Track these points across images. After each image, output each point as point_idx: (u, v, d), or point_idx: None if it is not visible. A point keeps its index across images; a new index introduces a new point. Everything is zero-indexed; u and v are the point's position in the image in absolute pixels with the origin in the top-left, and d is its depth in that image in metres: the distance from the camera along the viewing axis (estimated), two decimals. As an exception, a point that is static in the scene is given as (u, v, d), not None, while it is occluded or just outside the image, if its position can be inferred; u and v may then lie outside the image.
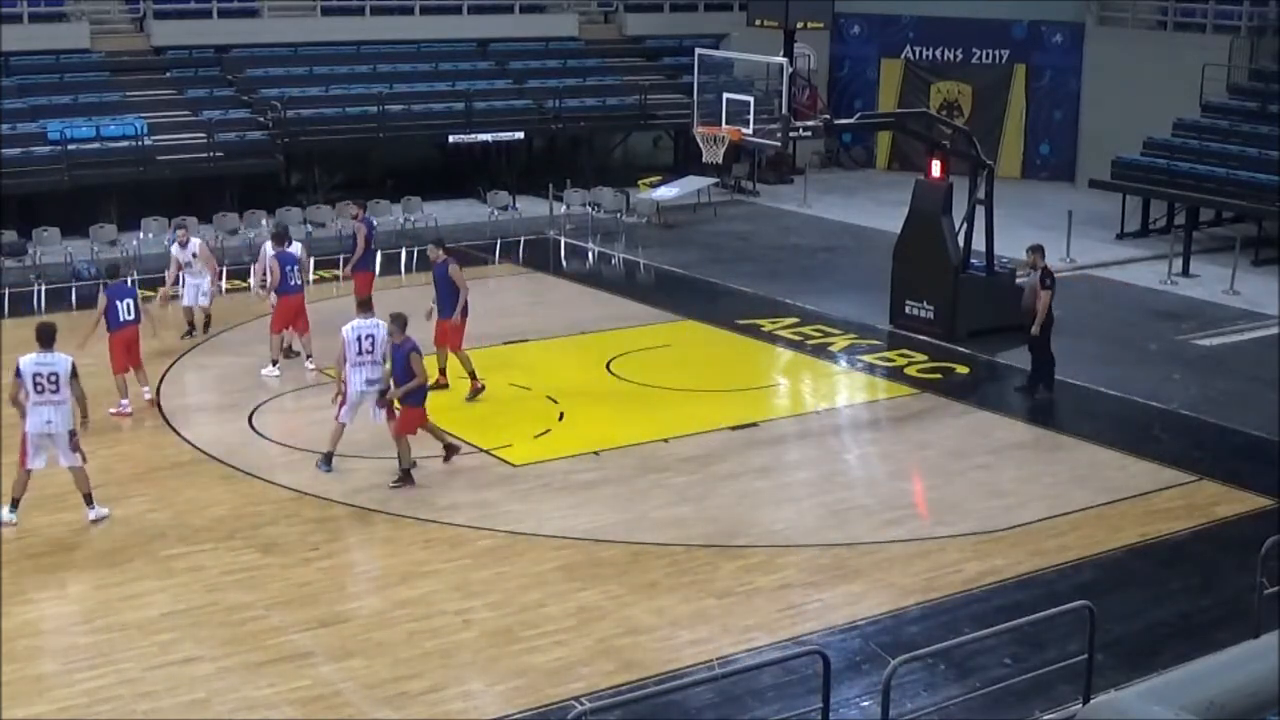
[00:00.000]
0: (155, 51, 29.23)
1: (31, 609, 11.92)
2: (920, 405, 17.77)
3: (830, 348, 20.02)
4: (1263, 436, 16.61)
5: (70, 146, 25.47)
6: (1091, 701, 9.28)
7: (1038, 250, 18.00)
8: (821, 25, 32.06)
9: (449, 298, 17.29)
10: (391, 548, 13.37)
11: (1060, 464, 15.81)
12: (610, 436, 16.28)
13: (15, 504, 13.44)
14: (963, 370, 19.17)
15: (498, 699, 10.66)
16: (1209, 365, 19.63)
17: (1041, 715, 10.41)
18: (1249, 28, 30.17)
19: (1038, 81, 33.04)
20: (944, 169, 20.57)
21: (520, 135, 30.00)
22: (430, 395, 16.55)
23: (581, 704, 9.30)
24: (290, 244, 18.96)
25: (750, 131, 22.65)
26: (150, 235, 24.17)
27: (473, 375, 17.34)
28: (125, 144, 26.17)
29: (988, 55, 33.34)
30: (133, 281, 18.66)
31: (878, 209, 27.71)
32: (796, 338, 20.48)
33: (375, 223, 21.60)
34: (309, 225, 25.33)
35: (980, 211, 20.45)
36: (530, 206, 28.25)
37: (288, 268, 18.27)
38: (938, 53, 33.73)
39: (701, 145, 23.51)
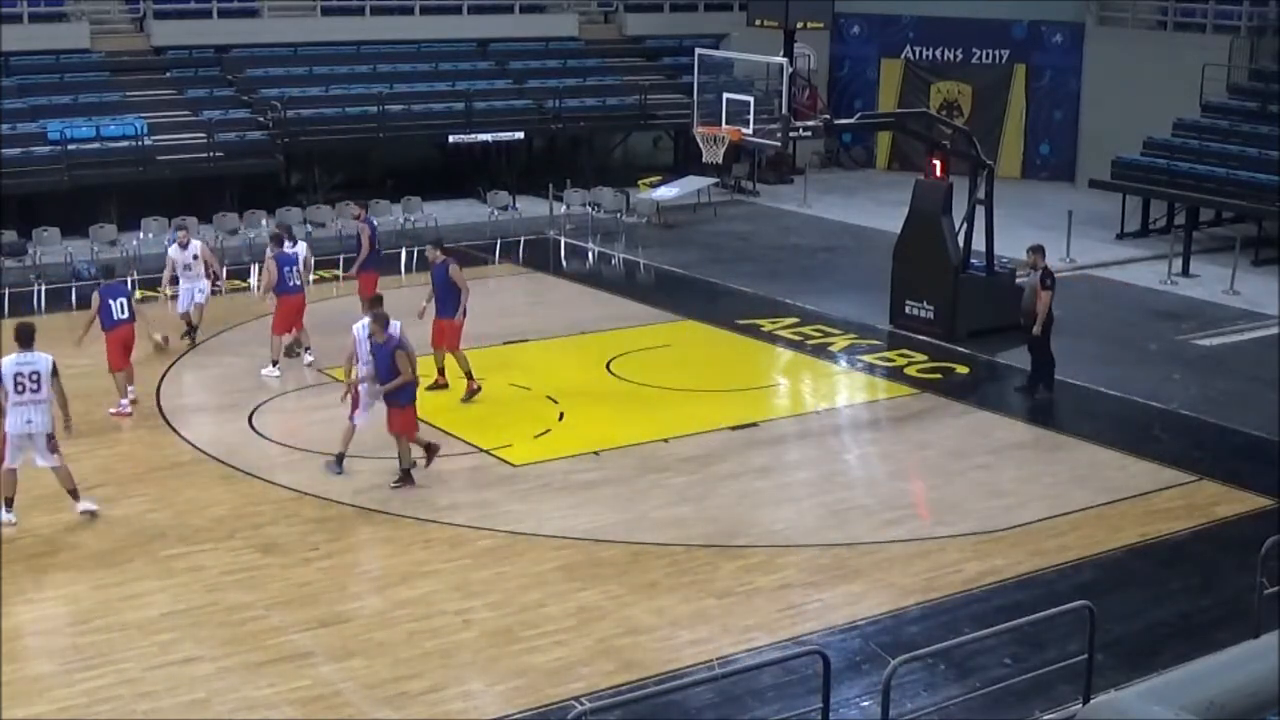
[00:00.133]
0: (155, 51, 29.23)
1: (31, 609, 11.91)
2: (920, 405, 17.77)
3: (830, 348, 20.02)
4: (1263, 436, 16.61)
5: (70, 146, 25.48)
6: (1091, 701, 9.28)
7: (1038, 250, 18.01)
8: (821, 25, 32.07)
9: (450, 298, 17.28)
10: (391, 548, 13.36)
11: (1060, 464, 15.81)
12: (610, 436, 16.28)
13: (9, 503, 13.43)
14: (963, 370, 19.17)
15: (498, 699, 10.66)
16: (1209, 365, 19.63)
17: (1041, 715, 10.41)
18: (1249, 28, 30.18)
19: (1038, 81, 33.05)
20: (944, 169, 20.58)
21: (520, 135, 30.01)
22: (430, 395, 16.61)
23: (581, 704, 9.30)
24: (295, 244, 19.00)
25: (750, 131, 22.64)
26: (150, 235, 24.17)
27: (469, 376, 17.32)
28: (125, 144, 26.18)
29: (988, 55, 33.34)
30: (133, 282, 18.66)
31: (878, 209, 27.71)
32: (796, 338, 20.48)
33: (376, 223, 21.60)
34: (309, 225, 25.32)
35: (980, 211, 20.45)
36: (530, 206, 28.26)
37: (286, 269, 18.26)
38: (938, 53, 33.73)
39: (701, 145, 23.51)
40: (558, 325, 20.94)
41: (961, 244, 20.37)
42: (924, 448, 16.32)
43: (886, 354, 19.76)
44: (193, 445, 15.89)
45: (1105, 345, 20.36)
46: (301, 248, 19.20)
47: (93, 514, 13.61)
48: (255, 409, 17.03)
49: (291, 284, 18.29)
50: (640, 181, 29.62)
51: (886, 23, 34.16)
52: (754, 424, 16.85)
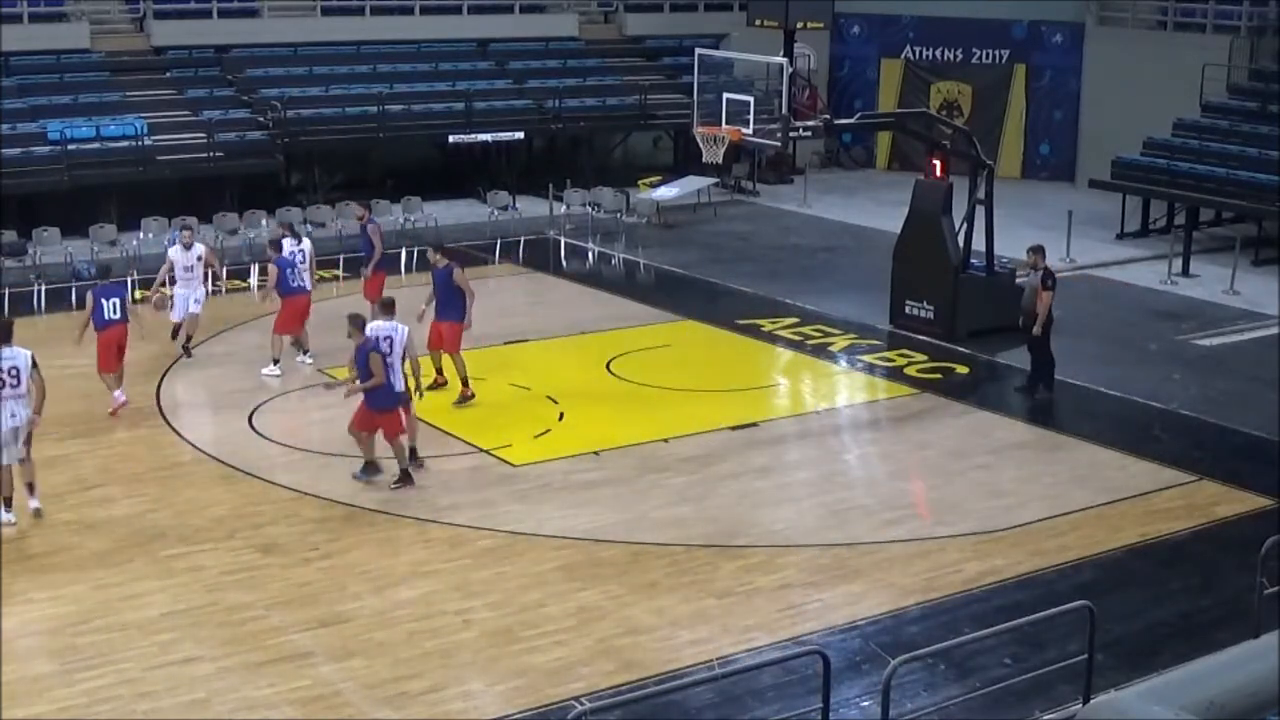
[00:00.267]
0: (155, 51, 29.23)
1: (31, 609, 11.91)
2: (920, 405, 17.76)
3: (830, 348, 20.02)
4: (1263, 436, 16.61)
5: (70, 146, 25.47)
6: (1091, 701, 9.28)
7: (1038, 250, 18.01)
8: (821, 25, 32.06)
9: (455, 302, 17.13)
10: (391, 548, 13.36)
11: (1060, 464, 15.81)
12: (610, 436, 16.28)
13: (8, 503, 13.43)
14: (963, 370, 19.16)
15: (498, 699, 10.66)
16: (1209, 365, 19.63)
17: (1041, 715, 10.41)
18: (1249, 28, 30.17)
19: (1038, 81, 33.04)
20: (944, 169, 20.57)
21: (520, 135, 30.00)
22: (430, 395, 16.61)
23: (581, 704, 9.31)
24: (300, 240, 18.99)
25: (750, 131, 22.63)
26: (150, 235, 24.14)
27: (465, 382, 17.20)
28: (125, 144, 26.17)
29: (988, 55, 33.33)
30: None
31: (878, 209, 27.70)
32: (796, 338, 20.47)
33: (379, 223, 21.53)
34: (309, 225, 25.27)
35: (980, 211, 20.45)
36: (530, 206, 28.25)
37: (287, 270, 18.25)
38: (938, 53, 33.73)
39: (701, 145, 23.50)
40: (558, 325, 20.93)
41: (961, 244, 20.37)
42: (924, 448, 16.32)
43: (886, 354, 19.76)
44: (193, 445, 15.89)
45: (1105, 345, 20.36)
46: (306, 244, 19.19)
47: (38, 513, 13.56)
48: (255, 409, 17.03)
49: (295, 284, 18.27)
50: (640, 181, 29.61)
51: (886, 23, 34.15)
52: (754, 424, 16.85)
